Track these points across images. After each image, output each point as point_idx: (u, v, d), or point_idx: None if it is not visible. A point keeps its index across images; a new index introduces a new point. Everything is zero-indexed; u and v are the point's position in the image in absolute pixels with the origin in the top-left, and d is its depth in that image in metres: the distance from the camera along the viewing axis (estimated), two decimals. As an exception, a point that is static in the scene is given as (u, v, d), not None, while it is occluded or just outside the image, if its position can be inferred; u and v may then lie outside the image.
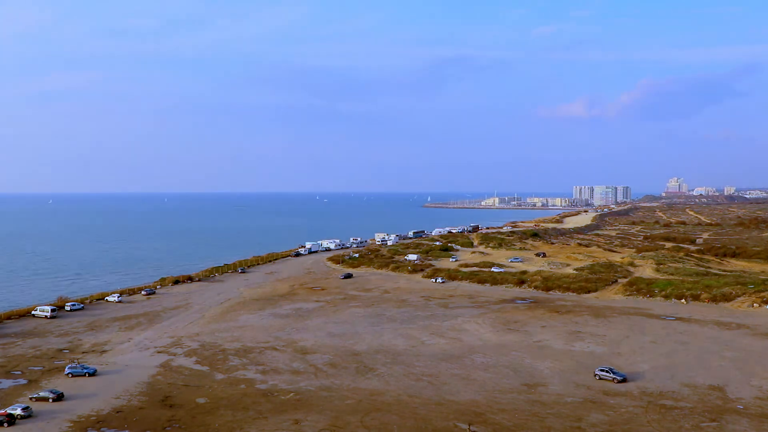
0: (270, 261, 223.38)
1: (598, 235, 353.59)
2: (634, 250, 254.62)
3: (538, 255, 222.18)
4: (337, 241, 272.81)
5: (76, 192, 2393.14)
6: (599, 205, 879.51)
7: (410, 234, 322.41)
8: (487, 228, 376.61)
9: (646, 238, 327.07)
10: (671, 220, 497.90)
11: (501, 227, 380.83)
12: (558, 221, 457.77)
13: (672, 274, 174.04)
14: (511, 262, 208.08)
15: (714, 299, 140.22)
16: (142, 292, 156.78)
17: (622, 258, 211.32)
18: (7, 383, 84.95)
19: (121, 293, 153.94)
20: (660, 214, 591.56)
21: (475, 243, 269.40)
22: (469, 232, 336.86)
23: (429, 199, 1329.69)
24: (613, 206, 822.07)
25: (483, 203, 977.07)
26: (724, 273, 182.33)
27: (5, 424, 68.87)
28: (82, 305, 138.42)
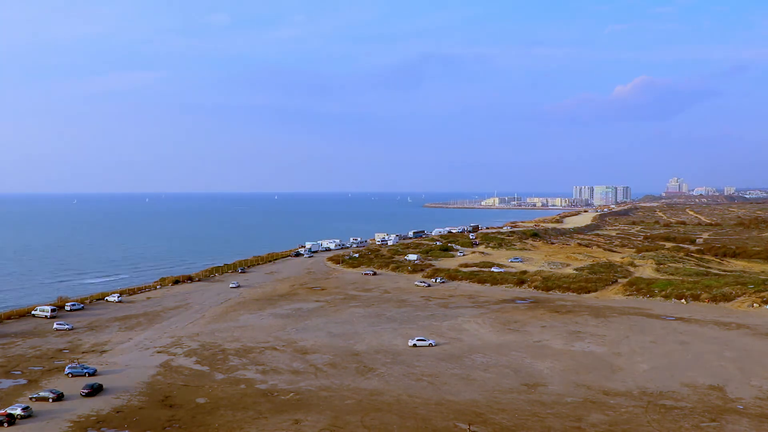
0: (270, 261, 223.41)
1: (598, 235, 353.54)
2: (634, 250, 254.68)
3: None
4: (337, 241, 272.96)
5: (104, 192, 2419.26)
6: (599, 205, 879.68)
7: (410, 234, 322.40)
8: (487, 228, 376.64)
9: (646, 238, 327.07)
10: (671, 220, 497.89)
11: (501, 227, 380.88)
12: (558, 221, 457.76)
13: (672, 274, 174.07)
14: (511, 262, 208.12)
15: (714, 299, 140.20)
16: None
17: (622, 258, 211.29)
18: (7, 383, 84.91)
19: (121, 293, 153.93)
20: (660, 214, 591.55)
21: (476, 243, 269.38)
22: (469, 232, 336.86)
23: (408, 199, 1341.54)
24: (613, 206, 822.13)
25: (483, 203, 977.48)
26: (724, 273, 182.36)
27: (5, 424, 68.85)
28: (82, 305, 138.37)
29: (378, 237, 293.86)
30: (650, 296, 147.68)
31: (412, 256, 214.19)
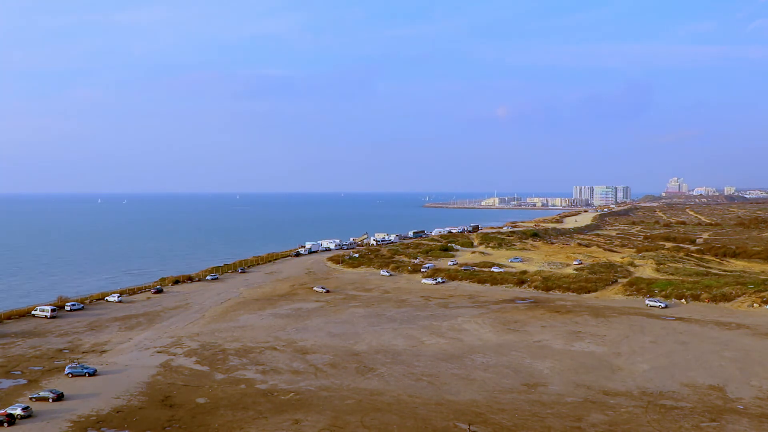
0: (270, 261, 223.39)
1: (598, 235, 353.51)
2: (634, 250, 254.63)
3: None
4: (337, 241, 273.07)
5: (150, 192, 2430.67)
6: (599, 205, 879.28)
7: (410, 234, 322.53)
8: (489, 227, 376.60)
9: (646, 238, 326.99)
10: (671, 220, 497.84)
11: (501, 227, 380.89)
12: (558, 221, 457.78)
13: (672, 274, 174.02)
14: (511, 262, 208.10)
15: (714, 299, 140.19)
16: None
17: (622, 258, 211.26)
18: (7, 383, 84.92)
19: (121, 293, 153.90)
20: (660, 214, 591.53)
21: (475, 243, 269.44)
22: (469, 232, 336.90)
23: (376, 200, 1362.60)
24: (613, 206, 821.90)
25: (483, 203, 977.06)
26: (724, 273, 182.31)
27: (5, 424, 68.86)
28: (82, 305, 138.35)
29: (378, 237, 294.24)
30: (650, 296, 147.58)
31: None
